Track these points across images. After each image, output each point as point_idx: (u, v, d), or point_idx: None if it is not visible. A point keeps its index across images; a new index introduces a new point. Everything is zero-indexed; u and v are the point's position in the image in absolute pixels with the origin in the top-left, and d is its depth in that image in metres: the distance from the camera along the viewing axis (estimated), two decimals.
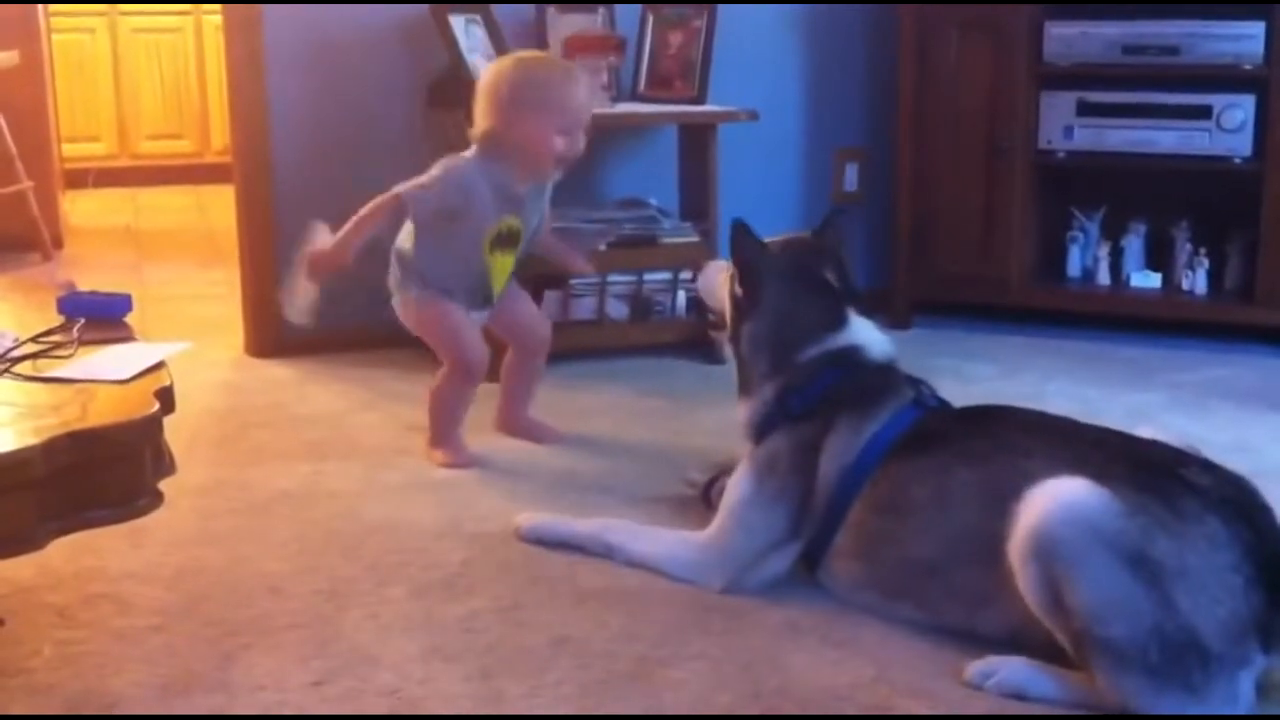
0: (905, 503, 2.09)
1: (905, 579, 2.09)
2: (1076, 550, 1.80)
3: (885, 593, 2.12)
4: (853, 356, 2.24)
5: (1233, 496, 1.87)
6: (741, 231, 2.25)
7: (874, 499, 2.12)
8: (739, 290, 2.29)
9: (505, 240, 2.85)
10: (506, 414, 3.06)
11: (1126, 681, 1.77)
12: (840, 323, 2.26)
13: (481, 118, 2.80)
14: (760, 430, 2.26)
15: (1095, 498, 1.82)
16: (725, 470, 2.43)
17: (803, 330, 2.25)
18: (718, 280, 2.41)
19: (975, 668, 1.93)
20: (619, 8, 3.88)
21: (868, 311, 2.32)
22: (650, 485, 2.69)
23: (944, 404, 2.24)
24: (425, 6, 3.60)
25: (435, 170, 2.79)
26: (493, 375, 2.97)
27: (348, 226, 2.75)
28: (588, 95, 2.83)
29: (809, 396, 2.21)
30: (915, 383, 2.25)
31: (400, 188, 2.76)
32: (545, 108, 2.74)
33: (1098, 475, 1.86)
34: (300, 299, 2.77)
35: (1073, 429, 2.07)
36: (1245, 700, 1.77)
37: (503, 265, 2.88)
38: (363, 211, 2.76)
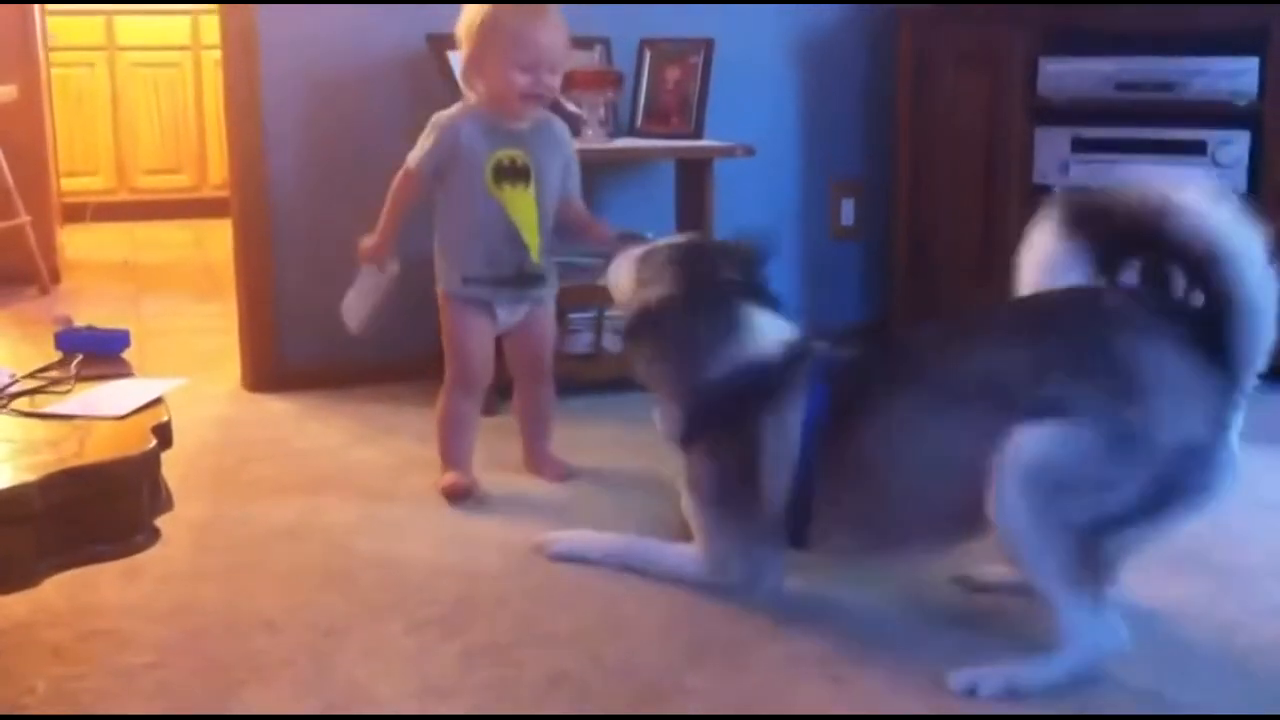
0: (870, 463, 2.14)
1: (902, 527, 2.17)
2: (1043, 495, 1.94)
3: (886, 547, 2.22)
4: (756, 362, 2.28)
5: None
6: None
7: (837, 477, 2.17)
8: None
9: (510, 172, 2.80)
10: (525, 450, 3.05)
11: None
12: (738, 330, 2.30)
13: (460, 61, 2.84)
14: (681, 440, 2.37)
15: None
16: None
17: (704, 352, 2.31)
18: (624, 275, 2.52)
19: (959, 678, 1.98)
20: (616, 43, 3.90)
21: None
22: (648, 519, 2.68)
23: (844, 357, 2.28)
24: (424, 41, 3.62)
25: (426, 129, 2.84)
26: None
27: (381, 218, 2.84)
28: (555, 35, 2.79)
29: (722, 412, 2.28)
30: (808, 351, 2.28)
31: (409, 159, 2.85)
32: (508, 45, 2.74)
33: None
34: (359, 306, 2.86)
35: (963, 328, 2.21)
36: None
37: (522, 202, 2.82)
38: (389, 199, 2.84)
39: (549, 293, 2.95)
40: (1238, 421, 2.00)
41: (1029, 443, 1.95)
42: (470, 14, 2.79)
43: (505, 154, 2.80)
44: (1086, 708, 1.94)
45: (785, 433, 2.19)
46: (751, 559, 2.31)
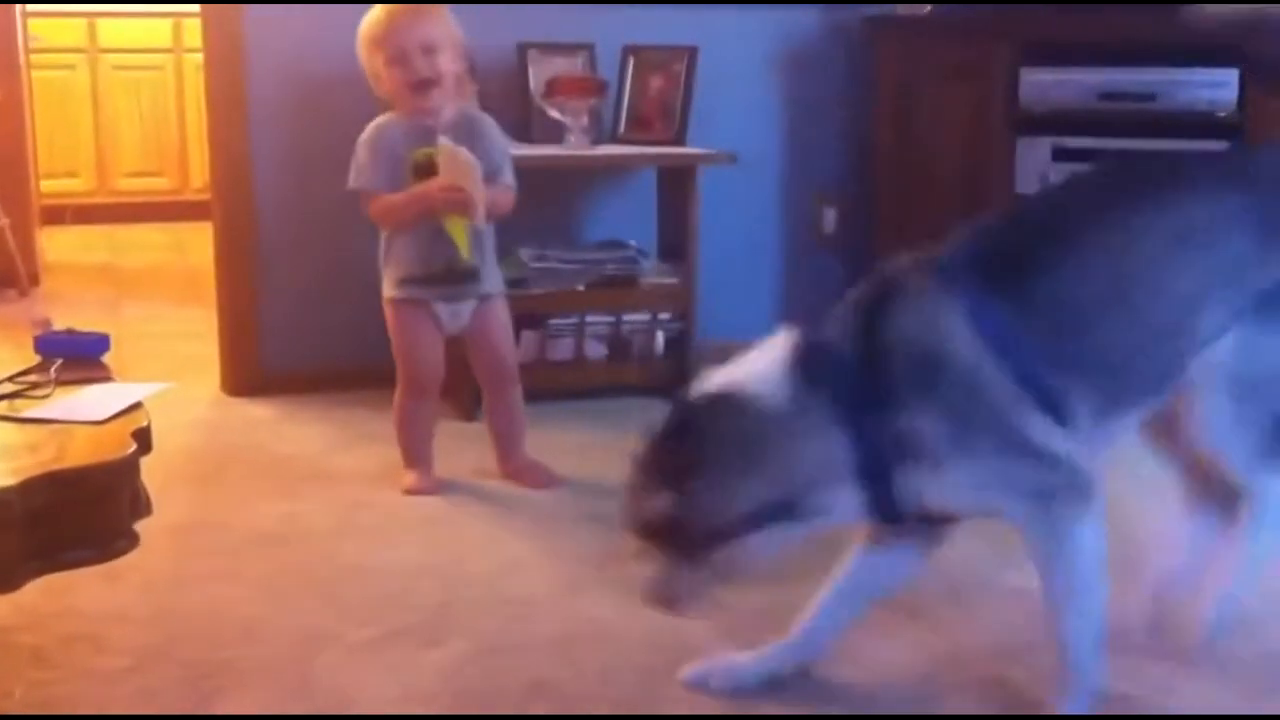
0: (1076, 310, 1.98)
1: (1127, 368, 2.00)
2: None
3: (1125, 394, 2.01)
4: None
5: None
6: None
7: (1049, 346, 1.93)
8: None
9: (428, 170, 2.83)
10: (499, 456, 3.05)
11: None
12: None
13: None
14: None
15: None
16: None
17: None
18: None
19: None
20: (600, 50, 3.90)
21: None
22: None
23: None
24: None
25: (358, 149, 2.90)
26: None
27: (399, 212, 2.87)
28: (416, 20, 2.82)
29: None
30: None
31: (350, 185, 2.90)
32: (374, 47, 2.84)
33: None
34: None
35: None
36: None
37: None
38: (383, 223, 2.90)
39: (491, 289, 2.95)
40: None
41: (1237, 354, 2.02)
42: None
43: (422, 152, 2.84)
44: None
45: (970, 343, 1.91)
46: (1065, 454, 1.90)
